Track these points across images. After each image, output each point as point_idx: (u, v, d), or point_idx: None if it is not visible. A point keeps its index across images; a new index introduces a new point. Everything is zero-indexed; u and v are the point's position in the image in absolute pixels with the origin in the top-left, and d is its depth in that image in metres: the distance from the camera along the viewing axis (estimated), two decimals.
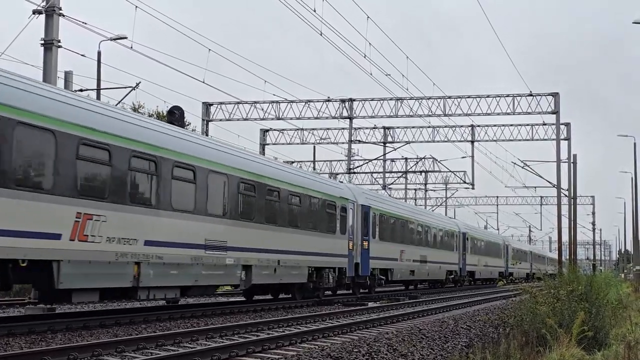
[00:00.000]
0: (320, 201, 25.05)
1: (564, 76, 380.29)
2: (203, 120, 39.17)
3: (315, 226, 24.49)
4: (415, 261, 37.11)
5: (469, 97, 37.91)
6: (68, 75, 26.87)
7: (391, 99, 38.64)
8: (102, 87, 30.08)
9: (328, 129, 45.63)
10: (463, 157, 49.51)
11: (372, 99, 39.16)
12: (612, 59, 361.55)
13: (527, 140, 42.21)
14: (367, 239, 29.62)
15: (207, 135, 35.77)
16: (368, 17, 30.53)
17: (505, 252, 64.06)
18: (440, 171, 57.56)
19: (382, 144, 46.16)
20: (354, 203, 28.44)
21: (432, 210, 57.34)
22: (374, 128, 45.27)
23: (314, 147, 50.51)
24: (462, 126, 43.78)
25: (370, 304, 25.25)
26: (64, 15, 21.11)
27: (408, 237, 36.25)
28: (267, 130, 44.36)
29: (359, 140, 45.47)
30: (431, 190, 67.81)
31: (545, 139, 41.45)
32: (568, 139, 41.95)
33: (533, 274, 71.87)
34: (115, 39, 27.62)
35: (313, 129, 45.41)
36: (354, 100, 39.41)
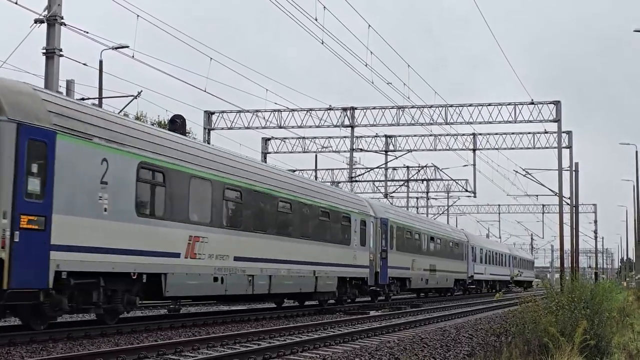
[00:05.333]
0: (347, 216, 27.33)
1: (566, 79, 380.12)
2: (205, 129, 39.20)
3: (342, 240, 26.87)
4: (427, 270, 38.55)
5: (470, 105, 37.89)
6: (70, 84, 26.91)
7: (392, 108, 38.64)
8: (103, 95, 30.14)
9: (330, 137, 45.58)
10: (465, 166, 49.36)
11: (374, 108, 39.17)
12: (615, 61, 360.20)
13: (529, 148, 42.19)
14: (386, 250, 31.55)
15: (208, 143, 35.77)
16: (369, 25, 30.58)
17: (511, 261, 65.17)
18: (442, 179, 57.59)
19: (384, 153, 46.13)
20: (373, 216, 30.29)
21: (434, 219, 57.50)
22: (376, 136, 45.29)
23: (316, 155, 50.55)
24: (463, 134, 43.78)
25: (372, 313, 25.24)
26: (65, 25, 21.10)
27: (422, 248, 37.90)
28: (269, 139, 44.33)
29: (361, 149, 45.45)
30: (433, 198, 67.83)
31: (547, 147, 41.43)
32: (570, 147, 41.89)
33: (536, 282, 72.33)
34: (116, 48, 27.71)
35: (315, 138, 45.38)
36: (356, 108, 39.44)
